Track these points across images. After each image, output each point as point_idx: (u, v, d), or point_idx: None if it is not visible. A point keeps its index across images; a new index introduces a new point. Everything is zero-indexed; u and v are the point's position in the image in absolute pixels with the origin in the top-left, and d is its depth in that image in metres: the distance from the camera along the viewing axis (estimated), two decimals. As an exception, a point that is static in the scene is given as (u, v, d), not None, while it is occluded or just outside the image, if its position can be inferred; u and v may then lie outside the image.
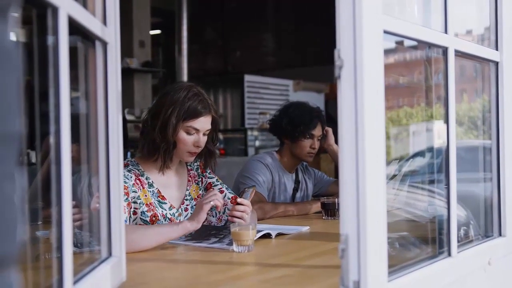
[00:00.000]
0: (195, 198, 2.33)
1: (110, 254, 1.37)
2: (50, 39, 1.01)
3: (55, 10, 0.99)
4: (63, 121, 1.01)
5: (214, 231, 2.11)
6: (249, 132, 7.50)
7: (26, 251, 1.07)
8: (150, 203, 2.16)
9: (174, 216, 2.22)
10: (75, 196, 1.07)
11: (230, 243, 1.89)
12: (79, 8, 1.12)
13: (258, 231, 2.01)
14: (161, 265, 1.75)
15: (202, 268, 1.69)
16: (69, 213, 1.02)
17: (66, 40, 1.02)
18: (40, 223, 1.41)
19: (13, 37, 0.59)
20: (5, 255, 0.55)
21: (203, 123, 2.18)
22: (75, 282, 1.09)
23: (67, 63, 1.02)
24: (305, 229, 2.33)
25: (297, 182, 3.14)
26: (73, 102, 1.08)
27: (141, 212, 2.13)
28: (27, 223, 0.65)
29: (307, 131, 2.96)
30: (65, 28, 1.01)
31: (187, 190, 2.32)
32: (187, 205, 2.30)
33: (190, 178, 2.35)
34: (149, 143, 2.18)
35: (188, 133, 2.16)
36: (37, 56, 1.04)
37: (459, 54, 1.57)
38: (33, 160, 2.71)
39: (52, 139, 1.01)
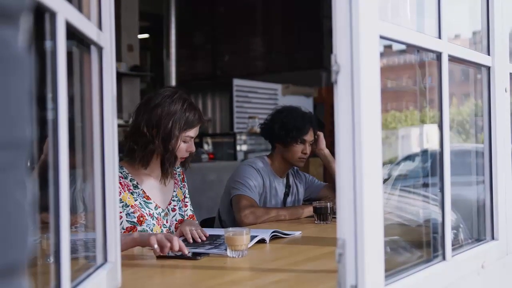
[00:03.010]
0: (181, 200, 2.41)
1: (105, 260, 1.36)
2: (47, 44, 1.00)
3: (53, 15, 0.98)
4: (60, 125, 1.00)
5: (209, 241, 2.10)
6: (238, 137, 7.48)
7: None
8: (135, 205, 2.21)
9: (160, 215, 2.28)
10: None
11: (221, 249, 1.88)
12: (76, 13, 1.11)
13: (252, 237, 2.01)
14: (156, 271, 1.74)
15: (197, 273, 1.68)
16: (66, 219, 1.01)
17: (64, 44, 1.01)
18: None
19: (23, 43, 0.58)
20: (17, 262, 0.54)
21: (197, 130, 2.31)
22: (72, 289, 1.08)
23: (65, 68, 1.02)
24: (298, 233, 2.33)
25: (288, 186, 3.13)
26: (68, 107, 1.08)
27: (126, 214, 2.17)
28: (36, 230, 0.65)
29: (300, 136, 2.96)
30: (63, 33, 1.01)
31: (174, 191, 2.40)
32: (174, 205, 2.37)
33: (176, 181, 2.43)
34: (149, 154, 2.22)
35: (185, 141, 2.27)
36: (34, 61, 1.03)
37: (452, 59, 1.58)
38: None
39: (49, 144, 1.00)
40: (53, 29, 0.99)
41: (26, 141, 0.56)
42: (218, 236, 2.14)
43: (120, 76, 7.34)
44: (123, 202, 2.17)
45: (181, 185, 2.45)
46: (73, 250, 1.39)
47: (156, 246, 1.78)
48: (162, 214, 2.29)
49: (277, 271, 1.68)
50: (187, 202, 2.47)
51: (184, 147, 2.26)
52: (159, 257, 1.85)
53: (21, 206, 0.55)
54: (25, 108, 0.57)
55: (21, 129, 0.56)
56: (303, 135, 2.97)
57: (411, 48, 1.62)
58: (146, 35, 9.96)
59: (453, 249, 1.56)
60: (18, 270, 0.54)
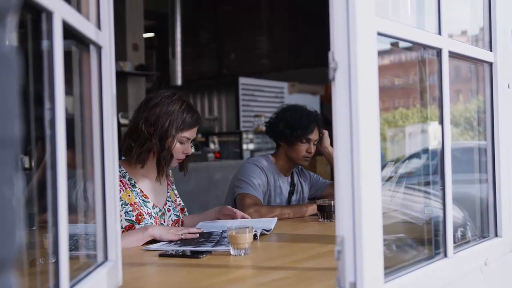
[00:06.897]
0: (174, 201, 2.46)
1: (106, 258, 1.37)
2: (44, 44, 1.01)
3: (49, 14, 0.99)
4: (58, 125, 1.00)
5: (202, 239, 2.09)
6: (244, 135, 7.48)
7: (22, 256, 1.06)
8: (134, 203, 2.25)
9: (157, 215, 2.33)
10: (70, 201, 1.07)
11: (228, 245, 1.88)
12: (74, 12, 1.12)
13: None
14: (157, 269, 1.74)
15: (199, 271, 1.68)
16: (65, 218, 1.01)
17: (60, 44, 1.01)
18: (35, 228, 1.40)
19: (11, 42, 0.59)
20: (5, 258, 0.55)
21: (195, 132, 2.34)
22: (71, 287, 1.09)
23: (62, 68, 1.02)
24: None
25: (292, 185, 3.13)
26: (67, 107, 1.08)
27: (125, 212, 2.21)
28: (25, 227, 0.66)
29: (304, 135, 2.95)
30: (60, 33, 1.01)
31: (168, 192, 2.45)
32: (169, 206, 2.42)
33: (169, 183, 2.49)
34: (145, 151, 2.26)
35: (181, 142, 2.30)
36: (31, 61, 1.04)
37: (453, 55, 1.58)
38: (26, 165, 2.70)
39: (47, 144, 1.01)
40: (49, 29, 1.00)
41: (14, 139, 0.57)
42: (210, 235, 2.15)
43: (125, 75, 7.34)
44: (122, 200, 2.21)
45: (173, 187, 2.51)
46: (75, 248, 1.40)
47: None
48: (160, 213, 2.34)
49: (279, 269, 1.68)
50: (180, 200, 2.52)
51: (180, 148, 2.30)
52: (161, 256, 1.85)
53: (9, 203, 0.55)
54: (14, 106, 0.57)
55: (9, 127, 0.56)
56: (308, 134, 2.96)
57: (414, 45, 1.61)
58: (151, 34, 9.97)
59: (455, 246, 1.55)
60: (6, 266, 0.55)
